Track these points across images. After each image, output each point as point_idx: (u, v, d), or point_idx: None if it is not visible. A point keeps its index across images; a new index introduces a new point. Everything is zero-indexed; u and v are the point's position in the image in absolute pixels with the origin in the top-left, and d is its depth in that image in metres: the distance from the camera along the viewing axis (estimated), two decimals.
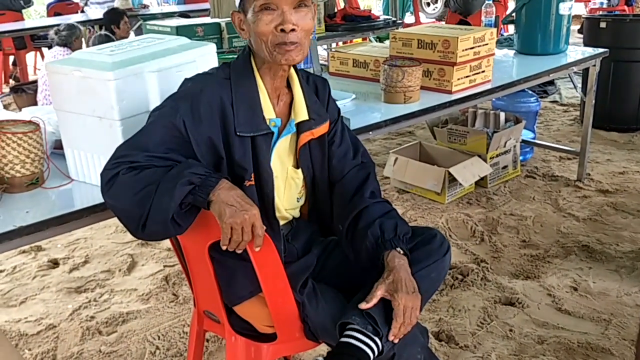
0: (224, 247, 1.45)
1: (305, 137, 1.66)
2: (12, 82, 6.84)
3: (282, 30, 1.49)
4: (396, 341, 1.53)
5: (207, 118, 1.51)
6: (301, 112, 1.65)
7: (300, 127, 1.65)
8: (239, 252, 1.46)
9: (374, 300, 1.52)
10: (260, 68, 1.60)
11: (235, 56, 1.65)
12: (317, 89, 1.75)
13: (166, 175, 1.43)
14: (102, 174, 1.49)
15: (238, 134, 1.54)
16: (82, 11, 7.52)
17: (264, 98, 1.59)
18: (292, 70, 1.66)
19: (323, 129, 1.70)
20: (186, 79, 1.60)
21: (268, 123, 1.59)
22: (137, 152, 1.47)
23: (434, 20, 8.74)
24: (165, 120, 1.50)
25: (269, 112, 1.60)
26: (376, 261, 1.61)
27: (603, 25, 4.64)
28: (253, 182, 1.58)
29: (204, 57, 1.93)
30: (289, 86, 1.67)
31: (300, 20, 1.51)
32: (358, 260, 1.66)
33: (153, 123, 1.52)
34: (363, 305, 1.52)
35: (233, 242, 1.44)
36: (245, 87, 1.57)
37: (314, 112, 1.67)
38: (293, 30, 1.50)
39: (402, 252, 1.59)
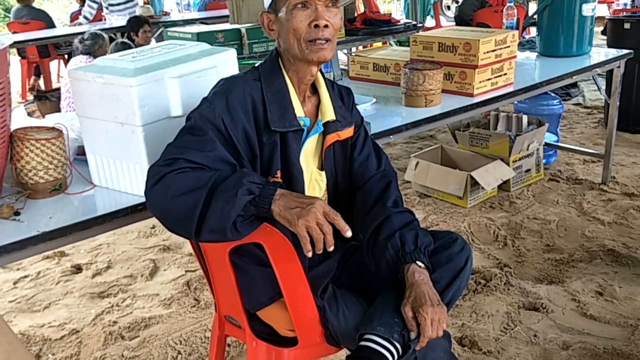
0: (309, 254, 1.40)
1: (332, 138, 1.68)
2: (29, 94, 6.92)
3: (316, 26, 1.53)
4: (419, 348, 1.52)
5: (241, 115, 1.53)
6: (328, 113, 1.67)
7: (327, 128, 1.67)
8: (329, 249, 1.40)
9: (414, 323, 1.50)
10: (288, 70, 1.62)
11: (256, 62, 1.66)
12: (342, 96, 1.78)
13: (224, 183, 1.40)
14: (152, 170, 1.44)
15: (272, 128, 1.55)
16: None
17: (293, 97, 1.62)
18: (319, 74, 1.69)
19: (348, 132, 1.73)
20: (220, 79, 1.62)
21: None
22: (191, 151, 1.45)
23: (454, 23, 8.67)
24: (205, 121, 1.50)
25: (298, 110, 1.62)
26: (396, 274, 1.60)
27: (627, 26, 4.57)
28: (278, 179, 1.58)
29: (225, 63, 1.94)
30: (314, 90, 1.70)
31: (331, 18, 1.56)
32: (379, 271, 1.65)
33: (195, 124, 1.51)
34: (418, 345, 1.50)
35: (316, 241, 1.39)
36: (275, 87, 1.60)
37: (339, 115, 1.70)
38: (326, 26, 1.54)
39: (422, 265, 1.58)
